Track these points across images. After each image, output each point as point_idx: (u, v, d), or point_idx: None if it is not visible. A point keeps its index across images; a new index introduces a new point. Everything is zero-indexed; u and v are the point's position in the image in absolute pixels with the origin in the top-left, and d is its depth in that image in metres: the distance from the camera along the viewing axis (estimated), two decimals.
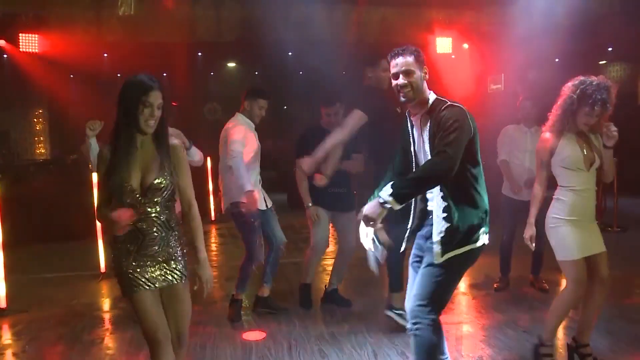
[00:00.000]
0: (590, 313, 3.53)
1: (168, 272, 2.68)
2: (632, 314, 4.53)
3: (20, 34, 10.49)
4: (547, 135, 3.54)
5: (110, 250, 2.71)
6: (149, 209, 2.63)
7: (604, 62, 12.41)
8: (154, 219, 2.64)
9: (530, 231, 3.60)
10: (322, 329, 4.36)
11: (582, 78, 3.43)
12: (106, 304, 5.26)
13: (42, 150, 13.47)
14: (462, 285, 5.69)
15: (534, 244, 3.59)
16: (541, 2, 11.71)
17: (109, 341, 4.28)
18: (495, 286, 5.43)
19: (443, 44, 12.25)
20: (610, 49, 11.36)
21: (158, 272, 2.66)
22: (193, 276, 2.74)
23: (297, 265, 5.69)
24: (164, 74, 13.59)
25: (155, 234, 2.65)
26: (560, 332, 4.01)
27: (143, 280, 2.62)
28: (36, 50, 10.71)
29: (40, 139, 13.53)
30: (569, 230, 3.43)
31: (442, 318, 2.78)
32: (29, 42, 10.67)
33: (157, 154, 2.66)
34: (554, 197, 3.55)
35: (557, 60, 11.89)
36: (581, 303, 3.53)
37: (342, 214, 4.83)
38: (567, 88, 3.46)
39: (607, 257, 3.49)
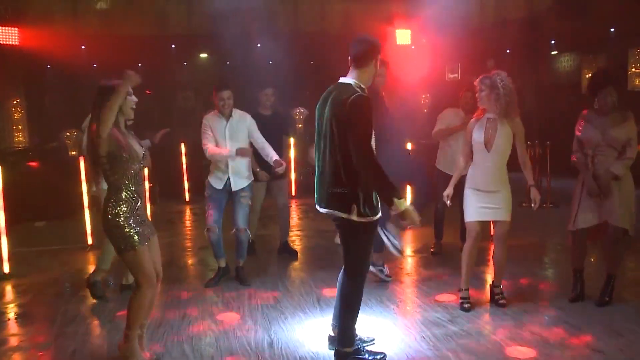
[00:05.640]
0: (496, 263, 4.51)
1: (148, 228, 3.50)
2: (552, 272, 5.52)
3: (0, 27, 11.00)
4: (472, 120, 4.45)
5: (107, 214, 3.36)
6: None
7: (555, 52, 13.31)
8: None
9: (448, 191, 4.48)
10: (277, 282, 5.28)
11: (489, 75, 4.30)
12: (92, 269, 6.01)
13: (21, 139, 13.96)
14: (408, 250, 6.59)
15: (449, 202, 4.50)
16: None
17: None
18: (431, 250, 6.36)
19: (403, 36, 13.01)
20: (553, 41, 12.23)
21: (147, 230, 3.48)
22: None
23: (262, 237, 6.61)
24: (139, 65, 14.21)
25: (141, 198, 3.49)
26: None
27: (142, 237, 3.40)
28: (16, 43, 11.22)
29: (19, 127, 14.00)
30: (469, 197, 4.37)
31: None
32: (9, 35, 11.15)
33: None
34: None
35: (508, 51, 12.84)
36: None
37: (275, 181, 5.92)
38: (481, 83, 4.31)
39: (505, 224, 4.37)
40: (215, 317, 4.37)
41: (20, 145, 13.34)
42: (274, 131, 5.79)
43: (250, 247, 5.81)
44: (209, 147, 5.05)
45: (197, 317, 4.37)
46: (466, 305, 4.41)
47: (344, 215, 3.31)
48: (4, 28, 11.03)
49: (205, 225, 5.13)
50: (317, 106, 3.50)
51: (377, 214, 3.38)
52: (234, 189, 5.13)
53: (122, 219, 3.35)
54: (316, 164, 3.52)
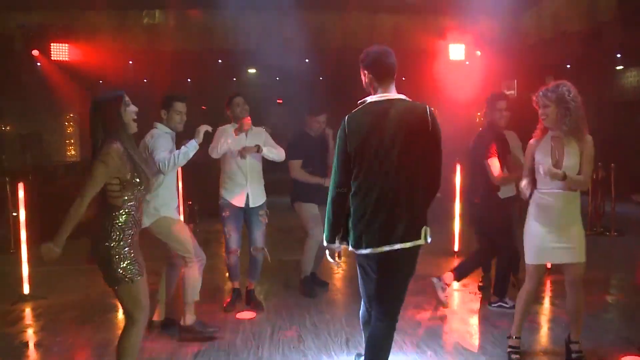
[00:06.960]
0: (570, 314, 3.82)
1: (141, 259, 3.16)
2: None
3: (51, 44, 11.17)
4: (531, 141, 3.79)
5: (109, 240, 3.02)
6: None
7: (621, 67, 12.44)
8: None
9: (525, 182, 3.76)
10: (304, 317, 4.83)
11: (552, 87, 3.64)
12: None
13: (73, 152, 14.22)
14: (455, 283, 6.01)
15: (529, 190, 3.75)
16: (550, 9, 11.93)
17: (119, 322, 4.77)
18: (479, 284, 5.78)
19: (456, 51, 12.43)
20: (618, 55, 11.41)
21: (142, 261, 3.15)
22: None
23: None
24: (188, 80, 14.25)
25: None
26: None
27: (141, 267, 3.09)
28: (66, 59, 11.38)
29: (71, 141, 14.29)
30: (535, 234, 3.69)
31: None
32: (60, 51, 11.34)
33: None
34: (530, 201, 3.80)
35: (568, 66, 12.04)
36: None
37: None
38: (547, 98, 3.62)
39: (580, 267, 3.72)
40: (230, 356, 3.97)
41: (71, 159, 13.62)
42: (321, 149, 5.62)
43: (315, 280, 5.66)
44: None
45: (209, 355, 3.98)
46: (514, 357, 3.83)
47: (420, 242, 2.92)
48: (55, 45, 11.23)
49: (227, 248, 4.98)
50: (357, 128, 2.92)
51: None
52: (252, 205, 4.95)
53: (122, 244, 3.03)
54: (363, 197, 2.93)
